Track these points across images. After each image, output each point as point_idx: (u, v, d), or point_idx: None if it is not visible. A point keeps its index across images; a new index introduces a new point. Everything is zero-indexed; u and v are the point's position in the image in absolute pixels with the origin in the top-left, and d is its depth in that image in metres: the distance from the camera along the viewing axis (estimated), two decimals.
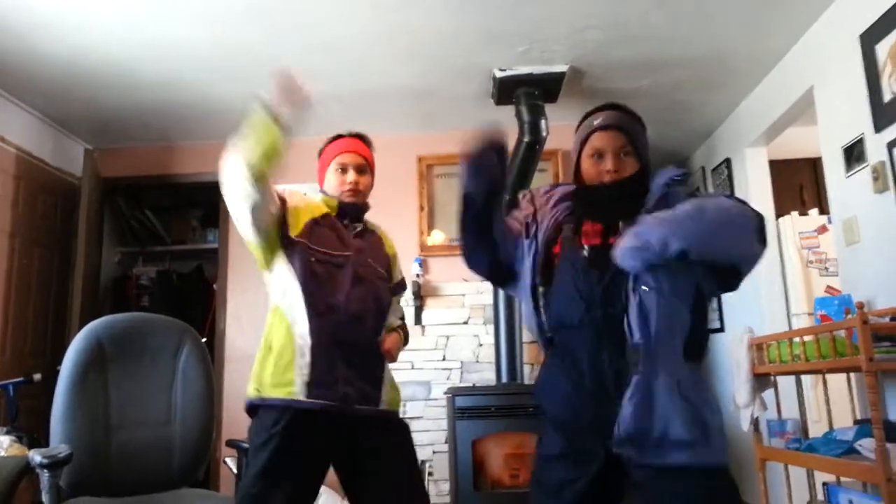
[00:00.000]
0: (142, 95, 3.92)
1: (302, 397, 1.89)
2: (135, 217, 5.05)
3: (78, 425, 2.32)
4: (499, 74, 3.75)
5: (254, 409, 1.97)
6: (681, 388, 1.50)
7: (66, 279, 4.28)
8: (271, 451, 1.86)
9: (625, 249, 1.44)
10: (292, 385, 1.89)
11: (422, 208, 4.51)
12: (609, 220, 1.62)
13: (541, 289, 1.66)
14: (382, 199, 4.40)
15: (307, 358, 1.91)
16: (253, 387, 1.98)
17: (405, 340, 2.23)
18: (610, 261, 1.49)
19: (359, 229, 2.15)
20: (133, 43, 3.34)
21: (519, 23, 3.28)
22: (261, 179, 1.86)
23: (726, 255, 1.49)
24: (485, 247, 1.69)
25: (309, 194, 2.19)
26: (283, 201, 2.05)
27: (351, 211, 2.14)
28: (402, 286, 2.28)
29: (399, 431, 2.08)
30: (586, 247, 1.61)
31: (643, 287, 1.51)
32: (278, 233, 2.01)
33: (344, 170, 2.13)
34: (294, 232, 2.01)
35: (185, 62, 3.55)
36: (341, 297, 1.97)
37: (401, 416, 2.16)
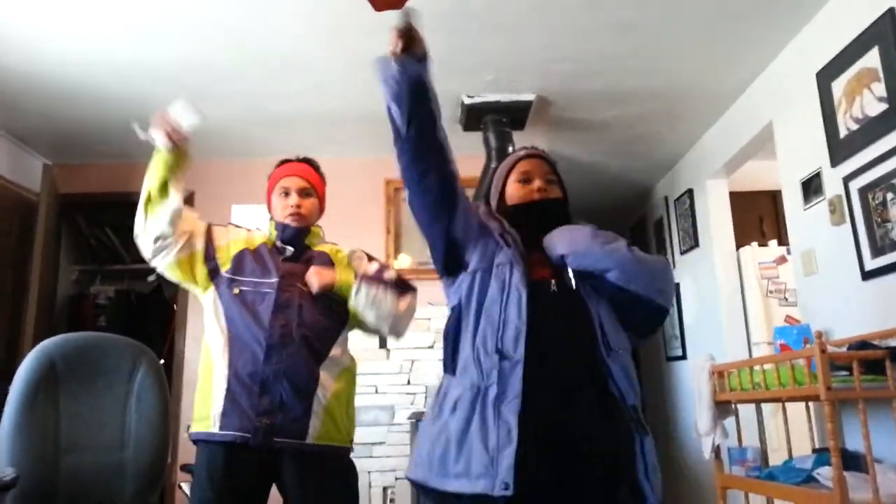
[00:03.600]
0: (104, 111, 3.85)
1: (216, 430, 1.88)
2: (94, 235, 4.94)
3: (25, 447, 2.24)
4: (467, 101, 3.78)
5: (193, 442, 1.99)
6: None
7: (20, 297, 4.14)
8: (201, 489, 1.89)
9: (566, 244, 1.59)
10: (209, 418, 1.90)
11: (388, 232, 4.49)
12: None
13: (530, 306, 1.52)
14: (349, 221, 4.41)
15: (223, 390, 1.90)
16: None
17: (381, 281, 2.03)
18: (569, 298, 1.56)
19: (290, 254, 2.07)
20: (96, 58, 3.29)
21: (485, 53, 3.32)
22: (156, 206, 1.99)
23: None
24: (438, 171, 1.57)
25: (259, 229, 2.20)
26: (209, 238, 2.07)
27: (289, 234, 2.09)
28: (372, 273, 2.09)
29: (330, 473, 1.94)
30: (552, 282, 1.59)
31: (619, 350, 1.54)
32: (204, 266, 2.04)
33: (287, 193, 2.12)
34: (223, 267, 2.04)
35: (147, 79, 3.50)
36: (262, 326, 1.93)
37: (350, 451, 2.04)
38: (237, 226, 2.22)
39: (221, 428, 1.87)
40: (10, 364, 3.85)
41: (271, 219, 2.16)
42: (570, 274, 1.59)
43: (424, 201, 1.59)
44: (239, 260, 2.05)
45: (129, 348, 2.55)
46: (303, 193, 2.12)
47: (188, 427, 2.00)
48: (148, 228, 2.01)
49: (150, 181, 2.00)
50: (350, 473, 2.01)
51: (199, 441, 1.94)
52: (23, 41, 3.13)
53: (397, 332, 2.11)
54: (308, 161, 2.20)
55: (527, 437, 1.41)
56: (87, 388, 2.42)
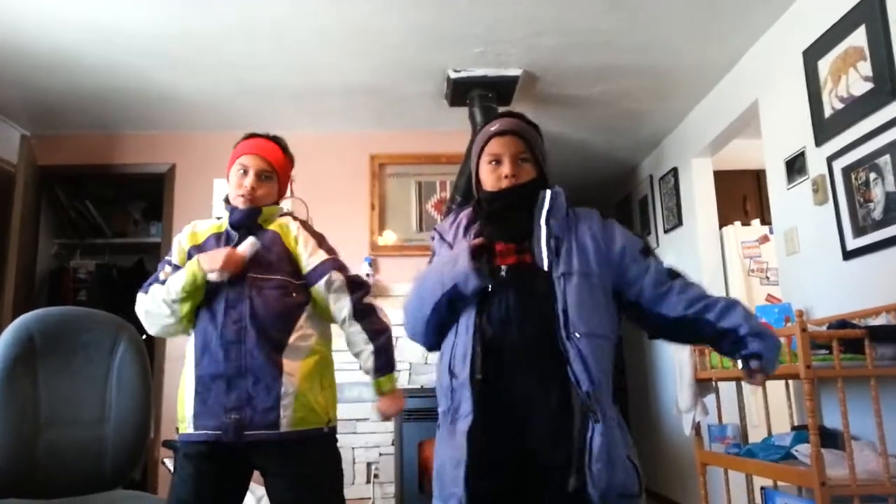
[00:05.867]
0: (82, 80, 3.77)
1: (190, 430, 1.89)
2: (73, 207, 4.86)
3: (4, 423, 2.23)
4: (453, 75, 3.74)
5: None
6: (621, 435, 1.53)
7: None
8: (180, 491, 1.88)
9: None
10: (185, 420, 1.91)
11: (373, 207, 4.46)
12: (514, 234, 1.62)
13: (483, 317, 1.55)
14: (333, 197, 4.38)
15: (192, 392, 1.90)
16: None
17: (373, 326, 2.05)
18: (529, 283, 1.55)
19: (235, 241, 1.98)
20: (73, 25, 3.21)
21: (473, 24, 3.27)
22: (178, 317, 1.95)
23: None
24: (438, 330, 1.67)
25: (218, 218, 2.12)
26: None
27: (236, 217, 2.00)
28: (323, 270, 2.00)
29: (310, 457, 1.91)
30: (503, 267, 1.58)
31: (576, 334, 1.51)
32: None
33: (245, 172, 2.01)
34: None
35: (126, 47, 3.43)
36: (215, 326, 1.90)
37: (327, 432, 1.99)
38: (185, 230, 2.12)
39: (196, 428, 1.88)
40: None
41: (225, 198, 2.06)
42: (545, 255, 1.58)
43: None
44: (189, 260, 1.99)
45: (109, 323, 2.53)
46: (261, 176, 2.01)
47: (176, 429, 1.99)
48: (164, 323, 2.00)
49: (187, 284, 1.92)
50: (330, 453, 1.99)
51: (182, 442, 1.94)
52: None
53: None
54: (276, 140, 2.09)
55: (480, 446, 1.48)
56: (67, 363, 2.41)
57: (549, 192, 1.65)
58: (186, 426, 1.90)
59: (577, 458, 1.46)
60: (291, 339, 1.93)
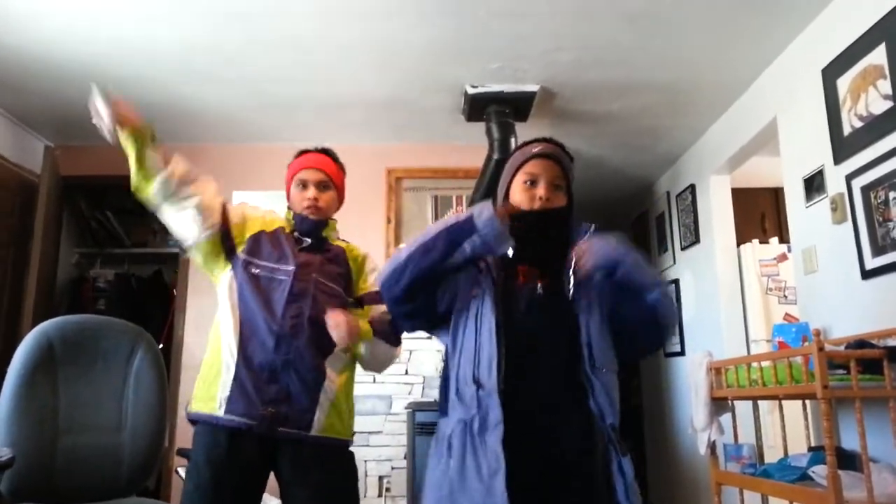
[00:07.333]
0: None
1: (220, 413, 1.86)
2: (94, 217, 4.93)
3: (23, 428, 2.25)
4: (470, 91, 3.76)
5: (191, 422, 1.97)
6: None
7: (20, 279, 4.15)
8: (198, 472, 1.86)
9: (603, 254, 1.53)
10: (214, 400, 1.88)
11: (389, 221, 4.49)
12: (539, 256, 1.62)
13: (502, 329, 1.54)
14: (349, 209, 4.38)
15: (231, 374, 1.88)
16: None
17: (382, 335, 2.03)
18: (556, 308, 1.56)
19: (307, 244, 2.05)
20: (99, 39, 3.27)
21: (491, 40, 3.30)
22: (147, 181, 2.00)
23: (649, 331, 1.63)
24: (428, 298, 1.63)
25: (275, 210, 2.18)
26: (224, 216, 2.02)
27: (306, 226, 2.08)
28: (378, 298, 2.00)
29: (330, 466, 1.92)
30: (539, 285, 1.58)
31: (602, 369, 1.52)
32: (221, 246, 2.01)
33: (304, 185, 2.09)
34: (239, 247, 2.02)
35: (150, 61, 3.49)
36: (274, 314, 1.90)
37: (350, 446, 2.02)
38: (252, 206, 2.18)
39: (227, 412, 1.85)
40: (10, 346, 3.87)
41: (289, 208, 2.13)
42: (571, 285, 1.57)
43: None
44: (255, 241, 2.02)
45: (128, 331, 2.56)
46: (321, 186, 2.10)
47: (187, 403, 1.97)
48: (164, 208, 1.97)
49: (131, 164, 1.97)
50: (350, 467, 2.00)
51: (200, 422, 1.91)
52: (26, 21, 3.12)
53: (377, 371, 2.23)
54: (326, 151, 2.17)
55: (512, 462, 1.42)
56: (85, 371, 2.43)
57: (591, 228, 1.66)
58: (216, 406, 1.86)
59: (602, 489, 1.45)
60: (336, 348, 1.96)
